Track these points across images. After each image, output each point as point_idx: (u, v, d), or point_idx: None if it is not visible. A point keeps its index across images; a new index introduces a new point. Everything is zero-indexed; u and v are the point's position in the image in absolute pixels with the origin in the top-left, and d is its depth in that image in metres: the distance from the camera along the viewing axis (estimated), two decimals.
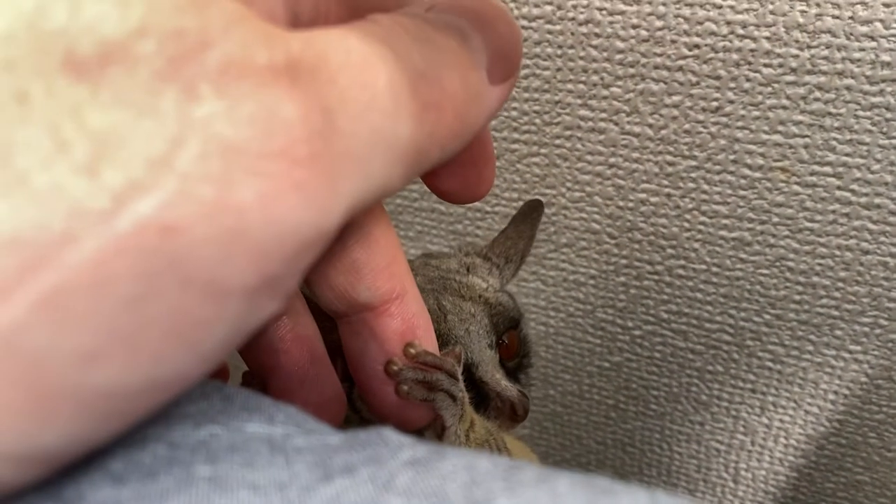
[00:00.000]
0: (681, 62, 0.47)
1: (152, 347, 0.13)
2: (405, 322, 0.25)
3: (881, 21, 0.42)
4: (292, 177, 0.14)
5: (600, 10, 0.47)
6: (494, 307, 0.35)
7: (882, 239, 0.49)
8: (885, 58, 0.43)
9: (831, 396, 0.57)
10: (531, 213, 0.40)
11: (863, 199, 0.48)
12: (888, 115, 0.44)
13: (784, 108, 0.46)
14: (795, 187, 0.49)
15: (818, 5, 0.42)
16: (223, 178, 0.13)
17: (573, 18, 0.48)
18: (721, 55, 0.46)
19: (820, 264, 0.52)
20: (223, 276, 0.13)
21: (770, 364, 0.57)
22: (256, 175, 0.13)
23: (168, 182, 0.13)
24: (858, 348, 0.54)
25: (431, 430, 0.29)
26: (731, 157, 0.49)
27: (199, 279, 0.13)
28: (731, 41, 0.45)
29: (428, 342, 0.25)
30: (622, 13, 0.47)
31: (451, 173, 0.21)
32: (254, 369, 0.26)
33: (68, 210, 0.12)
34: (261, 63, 0.14)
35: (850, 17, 0.42)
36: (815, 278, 0.52)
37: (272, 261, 0.14)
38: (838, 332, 0.54)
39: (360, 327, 0.25)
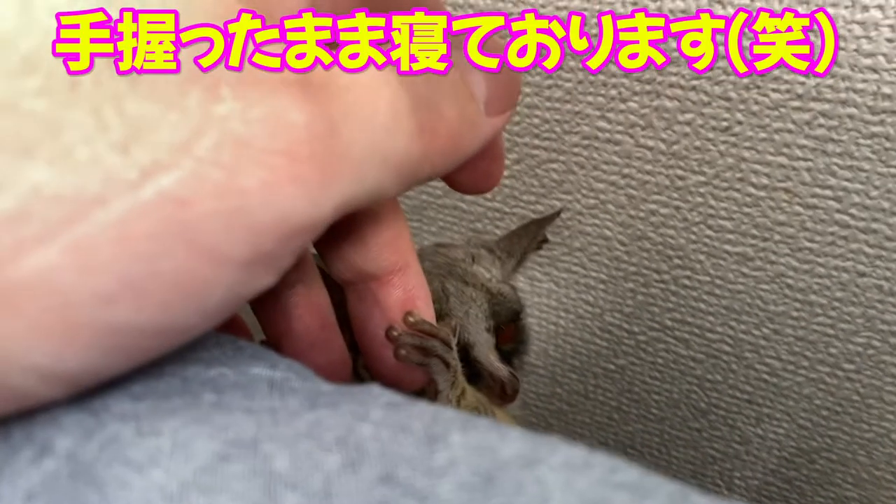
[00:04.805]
0: (694, 82, 0.49)
1: (159, 297, 0.15)
2: (406, 293, 0.27)
3: (884, 55, 0.43)
4: (291, 171, 0.16)
5: None
6: (496, 296, 0.38)
7: (878, 263, 0.50)
8: (887, 90, 0.44)
9: (824, 412, 0.58)
10: (549, 218, 0.43)
11: (861, 224, 0.49)
12: (888, 145, 0.46)
13: (790, 131, 0.48)
14: (797, 208, 0.51)
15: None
16: (232, 166, 0.15)
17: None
18: (732, 78, 0.48)
19: (818, 283, 0.53)
20: (224, 245, 0.15)
21: (766, 377, 0.59)
22: (260, 166, 0.15)
23: (186, 164, 0.15)
24: (852, 367, 0.55)
25: (426, 393, 0.31)
26: (738, 175, 0.51)
27: (203, 246, 0.15)
28: None
29: (426, 313, 0.27)
30: None
31: (463, 166, 0.22)
32: (268, 332, 0.28)
33: (103, 178, 0.14)
34: (275, 73, 0.16)
35: (855, 50, 0.44)
36: (813, 296, 0.54)
37: (266, 239, 0.16)
38: (833, 350, 0.55)
39: (366, 294, 0.27)
